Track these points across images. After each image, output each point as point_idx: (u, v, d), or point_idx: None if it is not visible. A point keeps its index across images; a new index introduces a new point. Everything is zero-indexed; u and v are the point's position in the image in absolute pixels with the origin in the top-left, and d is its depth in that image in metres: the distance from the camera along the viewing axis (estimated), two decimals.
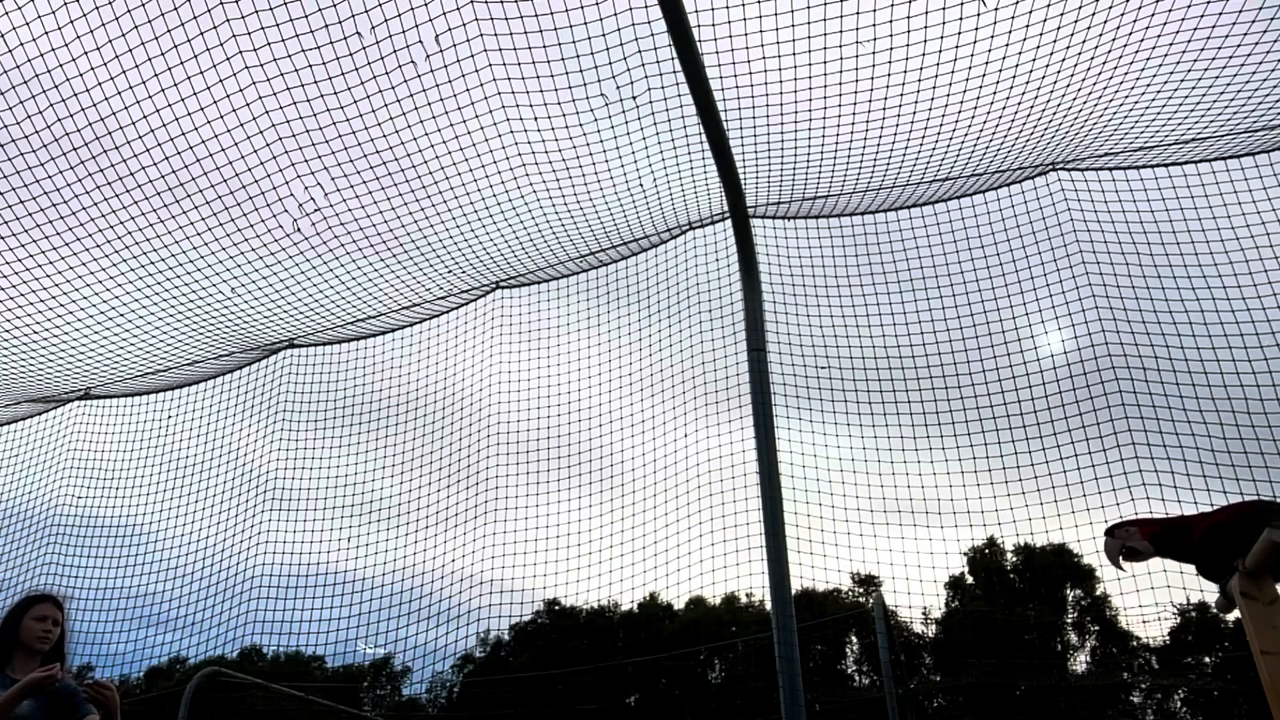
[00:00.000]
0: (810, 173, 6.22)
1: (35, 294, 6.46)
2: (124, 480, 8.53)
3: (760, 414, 5.70)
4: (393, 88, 5.18)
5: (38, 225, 5.85)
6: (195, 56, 4.90)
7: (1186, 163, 6.39)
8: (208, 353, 7.88)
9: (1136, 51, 5.18)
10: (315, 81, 5.10)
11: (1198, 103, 5.56)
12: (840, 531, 6.16)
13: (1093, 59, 5.20)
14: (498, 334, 7.79)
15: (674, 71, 5.17)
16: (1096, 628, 31.09)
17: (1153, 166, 6.49)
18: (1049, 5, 4.82)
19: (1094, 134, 6.08)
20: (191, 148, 5.44)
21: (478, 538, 7.16)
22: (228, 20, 4.76)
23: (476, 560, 7.06)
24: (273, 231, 6.20)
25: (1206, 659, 28.83)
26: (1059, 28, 4.92)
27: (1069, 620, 31.43)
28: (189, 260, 6.42)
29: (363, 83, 5.13)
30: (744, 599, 31.17)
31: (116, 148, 5.40)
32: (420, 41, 4.96)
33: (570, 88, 5.28)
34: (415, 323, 8.04)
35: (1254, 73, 5.26)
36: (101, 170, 5.52)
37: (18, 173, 5.46)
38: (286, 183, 5.80)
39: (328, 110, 5.28)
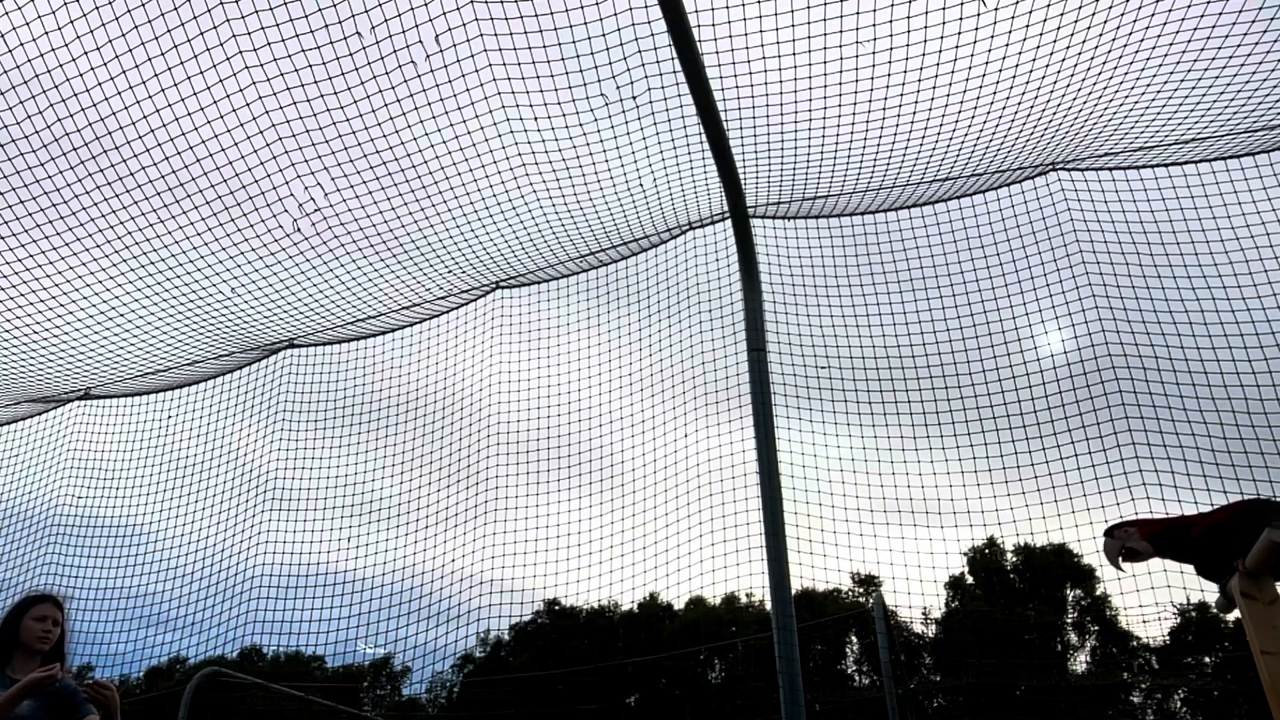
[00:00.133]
0: (810, 173, 6.22)
1: (35, 294, 6.46)
2: (124, 480, 8.54)
3: (760, 414, 5.70)
4: (393, 88, 5.18)
5: (38, 225, 5.85)
6: (195, 57, 4.90)
7: (1186, 163, 6.39)
8: (208, 353, 7.88)
9: (1136, 52, 5.17)
10: (315, 81, 5.10)
11: (1198, 103, 5.56)
12: (840, 531, 6.16)
13: (1093, 59, 5.20)
14: (498, 334, 7.80)
15: (674, 71, 5.17)
16: (1096, 628, 31.09)
17: (1153, 166, 6.49)
18: (1049, 5, 4.82)
19: (1094, 134, 6.08)
20: (191, 148, 5.44)
21: (478, 538, 7.16)
22: (228, 20, 4.76)
23: (476, 560, 7.06)
24: (273, 231, 6.20)
25: (1206, 659, 28.83)
26: (1059, 28, 4.92)
27: (1069, 620, 31.43)
28: (189, 260, 6.42)
29: (363, 83, 5.13)
30: (744, 599, 31.19)
31: (116, 148, 5.40)
32: (420, 41, 4.96)
33: (570, 88, 5.28)
34: (415, 323, 8.04)
35: (1254, 73, 5.26)
36: (101, 170, 5.52)
37: (18, 173, 5.46)
38: (286, 183, 5.80)
39: (328, 110, 5.28)
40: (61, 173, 5.50)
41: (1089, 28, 4.95)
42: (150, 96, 5.11)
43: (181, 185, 5.68)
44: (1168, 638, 29.15)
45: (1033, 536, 6.15)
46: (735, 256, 6.46)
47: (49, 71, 4.95)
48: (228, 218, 6.03)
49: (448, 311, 7.93)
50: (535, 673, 28.22)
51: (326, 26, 4.83)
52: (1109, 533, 3.19)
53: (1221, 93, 5.44)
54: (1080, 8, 4.83)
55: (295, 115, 5.32)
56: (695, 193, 6.52)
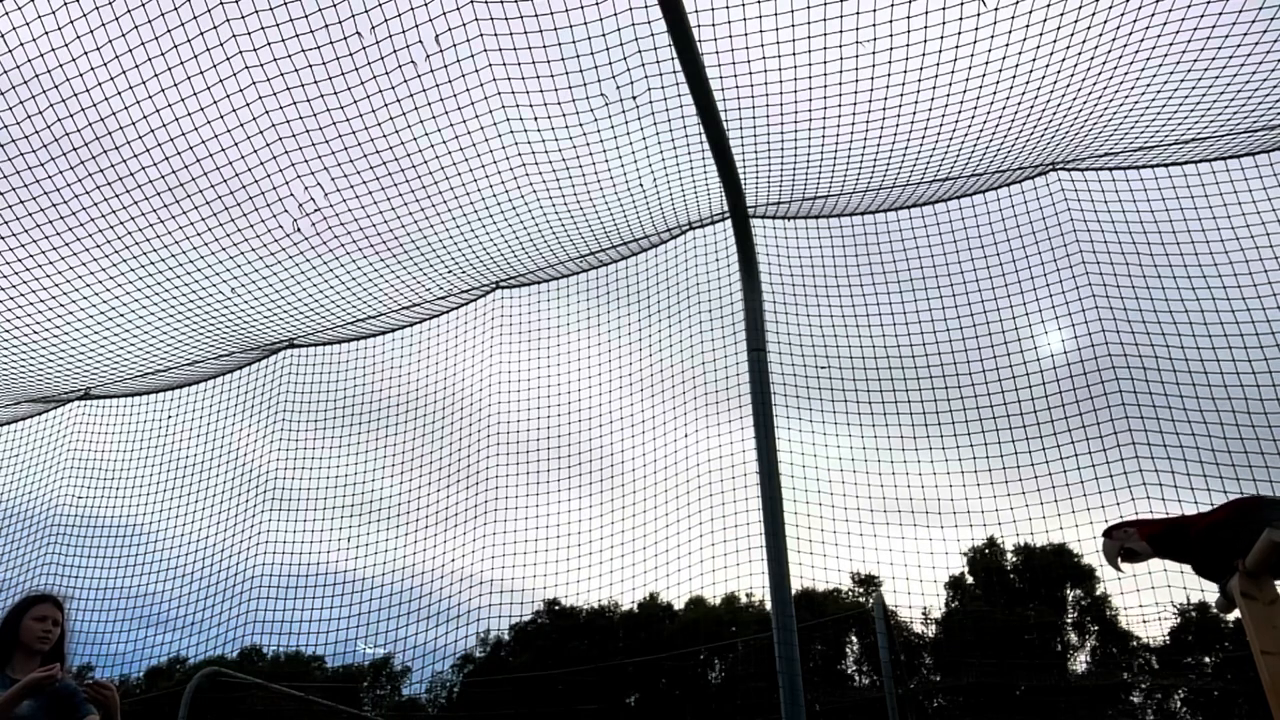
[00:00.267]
0: (810, 173, 6.22)
1: (35, 294, 6.46)
2: (124, 480, 8.54)
3: (760, 414, 5.70)
4: (393, 88, 5.18)
5: (38, 225, 5.85)
6: (195, 57, 4.90)
7: (1186, 163, 6.39)
8: (208, 353, 7.89)
9: (1136, 52, 5.17)
10: (315, 81, 5.10)
11: (1198, 103, 5.56)
12: (840, 531, 6.16)
13: (1093, 59, 5.20)
14: (498, 334, 7.80)
15: (674, 71, 5.17)
16: (1096, 628, 31.08)
17: (1153, 166, 6.49)
18: (1049, 5, 4.82)
19: (1094, 134, 6.08)
20: (191, 148, 5.44)
21: (478, 538, 7.16)
22: (228, 20, 4.76)
23: (476, 560, 7.06)
24: (273, 231, 6.20)
25: (1206, 659, 28.83)
26: (1059, 28, 4.92)
27: (1069, 620, 31.43)
28: (189, 260, 6.42)
29: (363, 83, 5.13)
30: (744, 599, 31.18)
31: (116, 148, 5.40)
32: (420, 41, 4.96)
33: (570, 88, 5.28)
34: (415, 323, 8.04)
35: (1254, 73, 5.26)
36: (101, 170, 5.52)
37: (18, 173, 5.46)
38: (286, 183, 5.80)
39: (328, 110, 5.28)
40: (61, 173, 5.50)
41: (1089, 28, 4.95)
42: (150, 97, 5.11)
43: (181, 185, 5.68)
44: (1168, 638, 29.15)
45: (1033, 536, 6.16)
46: (735, 256, 6.46)
47: (49, 71, 4.95)
48: (228, 218, 6.03)
49: (448, 311, 7.93)
50: (535, 673, 28.23)
51: (326, 27, 4.83)
52: (1108, 533, 3.18)
53: (1221, 93, 5.44)
54: (1080, 8, 4.83)
55: (295, 115, 5.32)
56: (695, 193, 6.52)
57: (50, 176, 5.51)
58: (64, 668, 3.37)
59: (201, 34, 4.80)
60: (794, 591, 5.27)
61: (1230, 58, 5.15)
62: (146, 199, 5.75)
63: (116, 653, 7.89)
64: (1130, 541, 3.12)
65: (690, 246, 7.25)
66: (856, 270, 6.97)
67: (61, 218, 5.81)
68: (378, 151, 5.63)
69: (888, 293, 6.91)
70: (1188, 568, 3.08)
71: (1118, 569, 3.21)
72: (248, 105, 5.22)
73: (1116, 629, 30.25)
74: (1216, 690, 27.54)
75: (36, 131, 5.26)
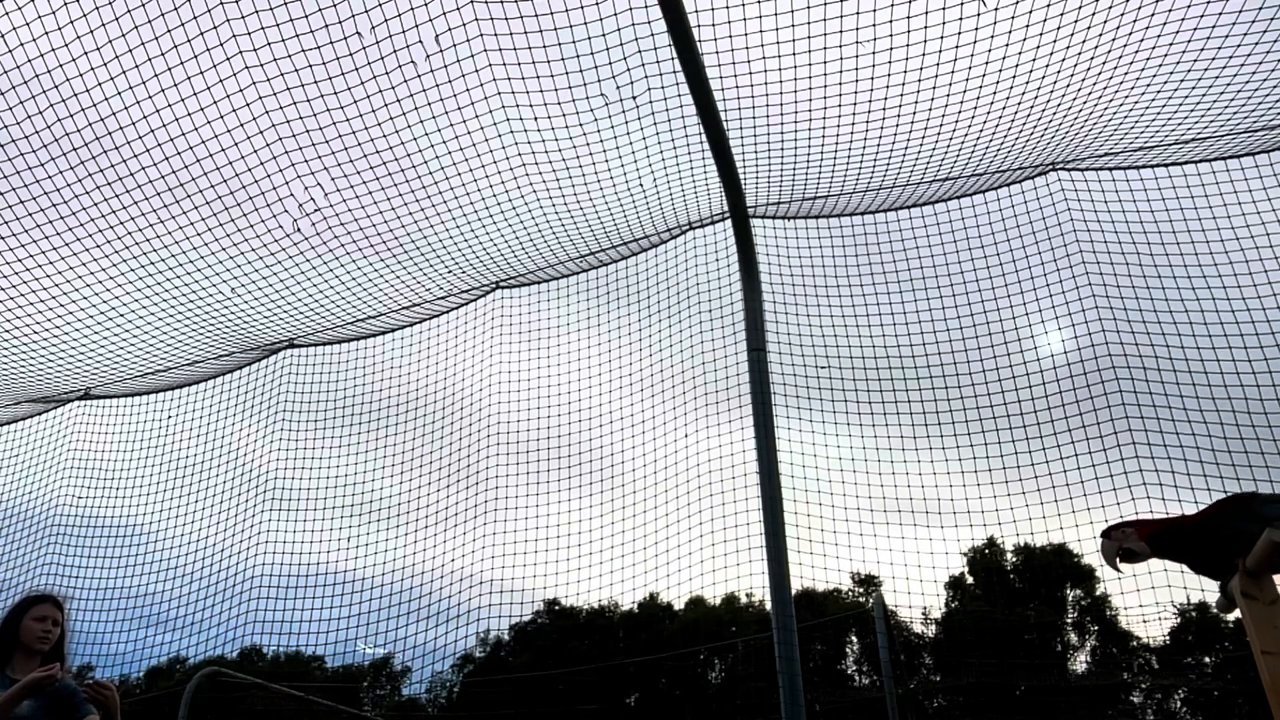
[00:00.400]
0: (810, 173, 6.22)
1: (35, 294, 6.46)
2: (124, 480, 8.54)
3: (760, 414, 5.70)
4: (393, 88, 5.18)
5: (38, 225, 5.85)
6: (195, 57, 4.90)
7: (1186, 163, 6.39)
8: (208, 353, 7.89)
9: (1136, 52, 5.17)
10: (315, 81, 5.10)
11: (1198, 103, 5.56)
12: (840, 531, 6.16)
13: (1093, 59, 5.20)
14: (498, 334, 7.80)
15: (674, 71, 5.17)
16: (1096, 628, 31.08)
17: (1153, 166, 6.49)
18: (1049, 5, 4.82)
19: (1094, 134, 6.08)
20: (191, 148, 5.44)
21: (478, 538, 7.16)
22: (228, 20, 4.76)
23: (476, 560, 7.06)
24: (273, 231, 6.20)
25: (1206, 659, 28.83)
26: (1059, 28, 4.92)
27: (1069, 620, 31.43)
28: (189, 260, 6.43)
29: (363, 83, 5.13)
30: (744, 599, 31.17)
31: (116, 148, 5.40)
32: (420, 41, 4.96)
33: (570, 88, 5.28)
34: (415, 323, 8.04)
35: (1254, 73, 5.26)
36: (101, 170, 5.52)
37: (18, 173, 5.46)
38: (286, 183, 5.80)
39: (328, 110, 5.28)
40: (61, 173, 5.50)
41: (1089, 28, 4.95)
42: (150, 97, 5.11)
43: (181, 185, 5.68)
44: (1168, 638, 29.15)
45: (1033, 536, 6.16)
46: (735, 256, 6.46)
47: (49, 71, 4.95)
48: (228, 218, 6.03)
49: (448, 311, 7.93)
50: (535, 673, 28.23)
51: (326, 27, 4.83)
52: (1106, 534, 3.18)
53: (1221, 93, 5.44)
54: (1080, 8, 4.83)
55: (295, 115, 5.32)
56: (695, 193, 6.52)
57: (50, 176, 5.51)
58: (64, 668, 3.37)
59: (201, 34, 4.80)
60: (794, 591, 5.27)
61: (1230, 58, 5.15)
62: (146, 199, 5.75)
63: (116, 653, 7.90)
64: (1129, 542, 3.11)
65: (690, 246, 7.25)
66: (856, 270, 6.98)
67: (61, 218, 5.81)
68: (378, 151, 5.63)
69: (888, 293, 6.92)
70: (1187, 568, 3.08)
71: (1117, 569, 3.20)
72: (248, 105, 5.22)
73: (1116, 629, 30.25)
74: (1216, 690, 27.54)
75: (36, 131, 5.26)
